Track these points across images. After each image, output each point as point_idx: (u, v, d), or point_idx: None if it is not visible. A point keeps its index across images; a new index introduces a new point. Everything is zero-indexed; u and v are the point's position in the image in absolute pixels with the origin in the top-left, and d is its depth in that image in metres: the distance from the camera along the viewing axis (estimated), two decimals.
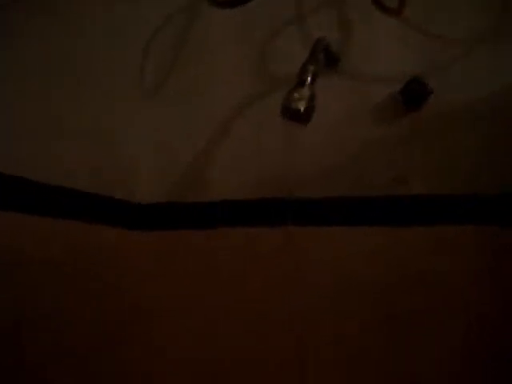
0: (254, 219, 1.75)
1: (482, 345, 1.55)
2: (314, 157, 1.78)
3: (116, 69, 1.87)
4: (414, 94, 1.70)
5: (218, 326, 1.71)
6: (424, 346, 1.59)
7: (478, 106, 1.68)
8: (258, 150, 1.80)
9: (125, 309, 1.70)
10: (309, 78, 1.51)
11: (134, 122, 1.88)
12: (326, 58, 1.72)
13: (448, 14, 1.74)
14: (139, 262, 1.79)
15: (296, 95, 1.48)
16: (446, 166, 1.71)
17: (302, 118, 1.49)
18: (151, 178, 1.85)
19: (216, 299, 1.72)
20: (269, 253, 1.70)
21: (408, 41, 1.74)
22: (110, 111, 1.84)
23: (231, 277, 1.72)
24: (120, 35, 1.88)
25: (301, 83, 1.50)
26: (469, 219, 1.64)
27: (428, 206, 1.69)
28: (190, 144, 1.86)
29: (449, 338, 1.59)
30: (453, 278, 1.62)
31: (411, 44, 1.74)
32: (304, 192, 1.75)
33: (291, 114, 1.48)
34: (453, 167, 1.70)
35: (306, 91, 1.49)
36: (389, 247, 1.67)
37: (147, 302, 1.75)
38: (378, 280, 1.65)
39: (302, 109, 1.46)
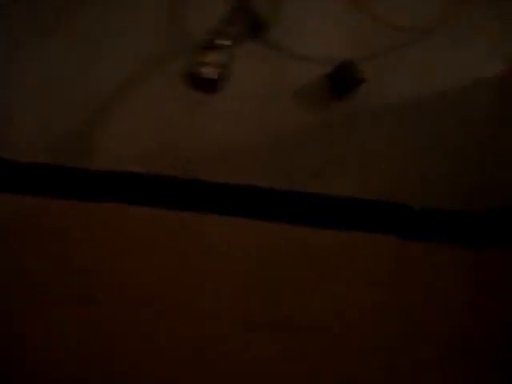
0: (146, 196, 1.51)
1: None
2: (224, 135, 1.55)
3: None
4: (343, 79, 1.50)
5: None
6: None
7: (411, 102, 1.52)
8: (158, 121, 1.54)
9: None
10: (225, 43, 1.29)
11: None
12: (251, 22, 1.49)
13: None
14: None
15: (206, 60, 1.26)
16: (367, 166, 1.53)
17: (211, 87, 1.27)
18: (34, 134, 1.56)
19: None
20: (160, 235, 1.49)
21: (346, 22, 1.56)
22: None
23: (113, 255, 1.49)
24: None
25: (214, 47, 1.28)
26: (383, 228, 1.49)
27: (339, 208, 1.52)
28: (84, 101, 1.58)
29: None
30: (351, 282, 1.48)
31: (349, 26, 1.56)
32: (205, 175, 1.52)
33: (199, 82, 1.25)
34: (375, 169, 1.53)
35: (219, 57, 1.27)
36: (284, 245, 1.49)
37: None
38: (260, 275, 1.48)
39: (212, 77, 1.24)
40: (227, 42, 1.28)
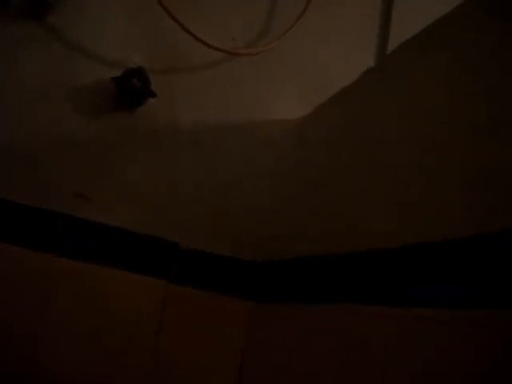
0: None
1: None
2: None
3: None
4: (130, 88, 1.26)
5: None
6: None
7: (200, 130, 1.34)
8: None
9: None
10: None
11: None
12: None
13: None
14: None
15: None
16: (138, 193, 1.30)
17: None
18: None
19: None
20: None
21: (151, 27, 1.34)
22: None
23: None
24: None
25: None
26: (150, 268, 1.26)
27: (101, 238, 1.26)
28: None
29: None
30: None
31: (154, 31, 1.34)
32: None
33: None
34: (145, 197, 1.30)
35: None
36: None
37: None
38: None
39: None
40: None
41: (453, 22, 0.92)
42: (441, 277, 0.78)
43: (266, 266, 1.27)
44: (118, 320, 1.21)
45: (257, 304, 1.26)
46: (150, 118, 1.30)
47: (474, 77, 0.81)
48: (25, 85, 1.26)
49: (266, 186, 1.34)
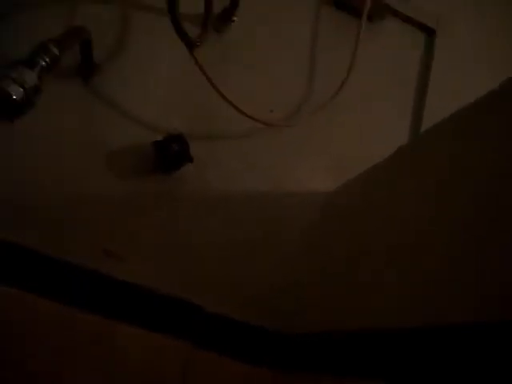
0: None
1: None
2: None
3: None
4: (169, 152, 1.31)
5: None
6: None
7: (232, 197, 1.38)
8: None
9: None
10: (44, 62, 1.04)
11: None
12: (82, 54, 1.27)
13: None
14: None
15: (14, 75, 0.99)
16: (169, 254, 1.32)
17: (9, 110, 0.99)
18: None
19: None
20: None
21: (192, 93, 1.39)
22: None
23: None
24: None
25: (30, 63, 1.02)
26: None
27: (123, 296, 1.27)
28: None
29: None
30: None
31: (193, 96, 1.40)
32: None
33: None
34: (175, 258, 1.32)
35: (32, 77, 1.01)
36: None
37: None
38: None
39: (16, 97, 0.98)
40: (46, 63, 1.03)
41: (483, 107, 0.95)
42: None
43: (291, 336, 1.27)
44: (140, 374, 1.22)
45: (282, 372, 1.26)
46: (182, 181, 1.34)
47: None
48: (64, 139, 1.30)
49: (292, 256, 1.36)
